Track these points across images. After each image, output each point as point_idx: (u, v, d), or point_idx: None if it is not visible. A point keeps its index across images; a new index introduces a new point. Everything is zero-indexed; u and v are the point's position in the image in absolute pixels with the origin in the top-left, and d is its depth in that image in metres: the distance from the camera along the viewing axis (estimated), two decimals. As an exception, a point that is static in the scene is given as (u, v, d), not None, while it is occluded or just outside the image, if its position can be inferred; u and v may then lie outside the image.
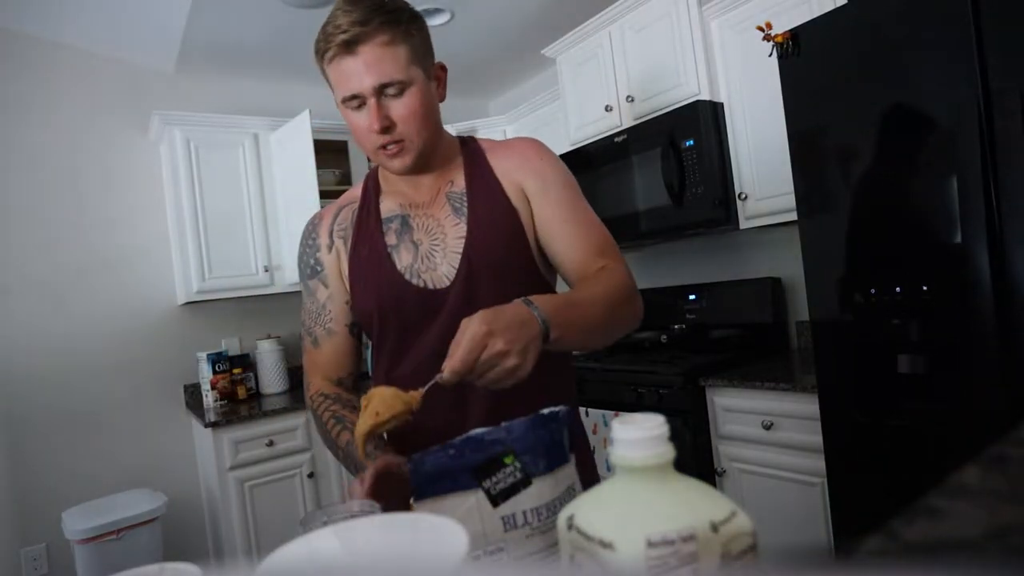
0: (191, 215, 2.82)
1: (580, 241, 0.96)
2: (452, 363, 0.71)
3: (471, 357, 0.70)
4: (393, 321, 0.98)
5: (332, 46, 0.87)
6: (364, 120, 0.90)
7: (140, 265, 2.97)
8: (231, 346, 3.10)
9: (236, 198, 2.94)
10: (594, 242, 0.96)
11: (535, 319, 0.74)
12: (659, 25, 2.40)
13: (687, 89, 2.32)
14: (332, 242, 1.05)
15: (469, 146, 1.04)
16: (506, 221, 0.97)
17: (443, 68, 0.98)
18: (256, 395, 3.03)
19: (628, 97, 2.54)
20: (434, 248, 0.97)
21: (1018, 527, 0.29)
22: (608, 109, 2.64)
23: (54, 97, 2.81)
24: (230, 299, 2.99)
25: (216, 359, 2.87)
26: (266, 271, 2.97)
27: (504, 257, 0.95)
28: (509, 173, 0.99)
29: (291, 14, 2.65)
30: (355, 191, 1.08)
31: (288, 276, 2.99)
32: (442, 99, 0.98)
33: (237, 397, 2.92)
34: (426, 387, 0.75)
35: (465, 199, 0.98)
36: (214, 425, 2.53)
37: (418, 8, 2.97)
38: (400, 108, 0.90)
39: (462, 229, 0.96)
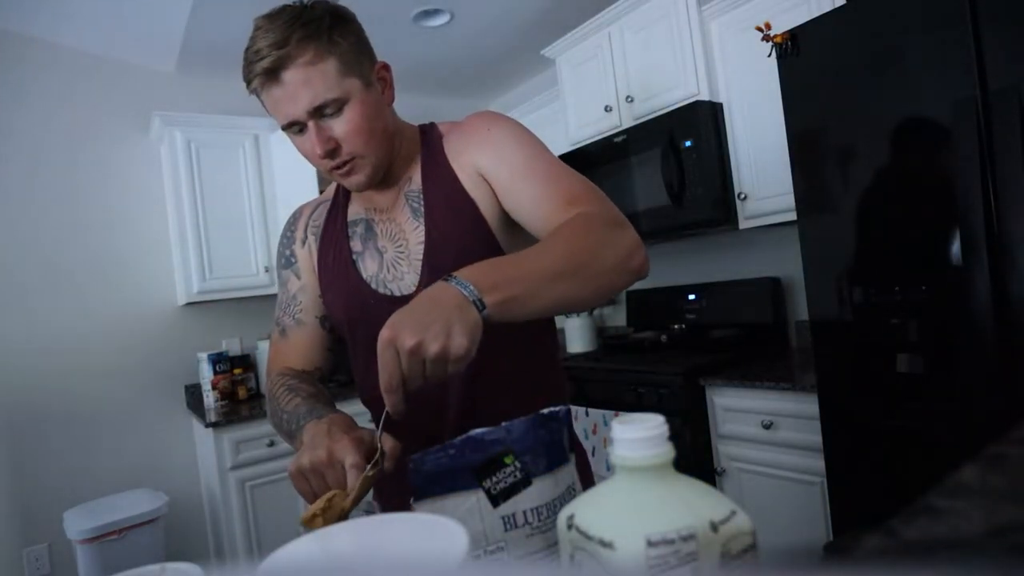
0: (191, 216, 2.82)
1: (545, 195, 0.84)
2: (382, 389, 0.63)
3: (390, 371, 0.62)
4: (362, 330, 0.93)
5: (255, 76, 0.80)
6: (308, 145, 0.84)
7: (140, 266, 2.97)
8: (231, 346, 3.10)
9: (236, 199, 2.94)
10: (562, 192, 0.83)
11: (453, 291, 0.64)
12: (659, 25, 2.40)
13: (686, 89, 2.32)
14: (306, 237, 1.02)
15: (429, 135, 0.96)
16: (464, 215, 0.90)
17: (386, 67, 0.90)
18: (257, 395, 3.02)
19: (628, 97, 2.54)
20: (399, 257, 0.93)
21: (1017, 526, 0.29)
22: (608, 109, 2.64)
23: (54, 98, 2.81)
24: (230, 299, 2.98)
25: (217, 359, 2.87)
26: (266, 271, 2.97)
27: (466, 253, 0.86)
28: (461, 155, 0.92)
29: (291, 15, 2.65)
30: (330, 190, 1.04)
31: (288, 276, 2.99)
32: (390, 101, 0.91)
33: (238, 397, 2.92)
34: (378, 446, 0.68)
35: (422, 198, 0.92)
36: (215, 425, 2.53)
37: (418, 9, 2.96)
38: (342, 126, 0.83)
39: (421, 233, 0.91)
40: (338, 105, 0.82)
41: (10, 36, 2.71)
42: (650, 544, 0.38)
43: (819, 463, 1.73)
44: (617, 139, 2.52)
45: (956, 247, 1.36)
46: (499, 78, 3.66)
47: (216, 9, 2.53)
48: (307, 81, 0.80)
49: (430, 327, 0.61)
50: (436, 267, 0.88)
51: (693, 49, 2.28)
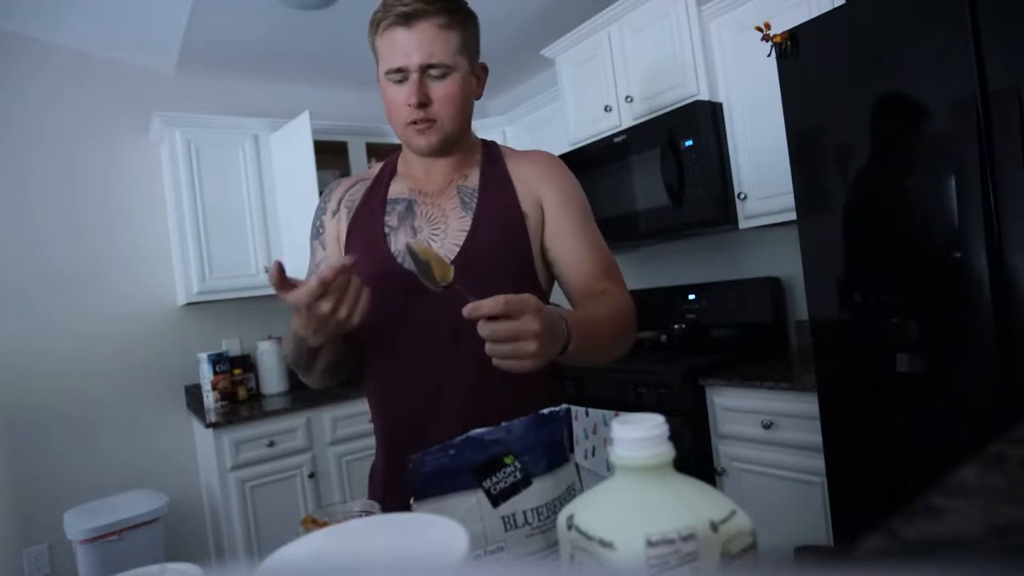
0: (191, 216, 2.82)
1: (590, 259, 0.99)
2: (491, 300, 0.70)
3: (507, 309, 0.70)
4: (377, 298, 0.96)
5: (390, 16, 0.90)
6: (402, 94, 0.93)
7: (140, 266, 2.97)
8: (231, 347, 3.10)
9: (236, 199, 2.94)
10: (602, 263, 0.99)
11: (563, 333, 0.78)
12: (658, 25, 2.40)
13: (686, 89, 2.32)
14: (339, 209, 1.06)
15: (490, 148, 1.07)
16: (512, 224, 0.98)
17: (485, 69, 1.02)
18: (257, 396, 3.02)
19: (627, 97, 2.54)
20: (433, 236, 0.97)
21: (1017, 525, 0.29)
22: (607, 109, 2.64)
23: (55, 99, 2.81)
24: (230, 300, 2.98)
25: (217, 360, 2.87)
26: (266, 272, 2.97)
27: (503, 257, 0.96)
28: (527, 181, 1.01)
29: (291, 15, 2.65)
30: (374, 169, 1.10)
31: (288, 277, 2.99)
32: (478, 97, 1.02)
33: (238, 398, 2.92)
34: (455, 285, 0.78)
35: (476, 195, 0.99)
36: (215, 426, 2.53)
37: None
38: (440, 90, 0.93)
39: (466, 223, 0.97)
40: (444, 71, 0.92)
41: (9, 36, 2.71)
42: (650, 544, 0.38)
43: (819, 463, 1.72)
44: (617, 139, 2.51)
45: (956, 247, 1.36)
46: (499, 78, 3.66)
47: (216, 9, 2.53)
48: (432, 39, 0.91)
49: (546, 337, 0.73)
50: (472, 256, 0.95)
51: (693, 49, 2.28)
